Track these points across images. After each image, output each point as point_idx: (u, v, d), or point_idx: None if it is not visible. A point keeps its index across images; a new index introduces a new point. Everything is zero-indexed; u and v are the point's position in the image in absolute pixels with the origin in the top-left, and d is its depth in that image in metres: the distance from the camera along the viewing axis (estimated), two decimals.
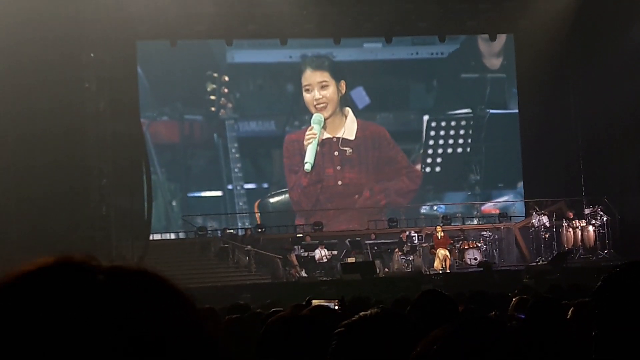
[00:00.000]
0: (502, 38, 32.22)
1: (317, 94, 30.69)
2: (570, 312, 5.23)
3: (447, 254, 26.03)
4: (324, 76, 30.94)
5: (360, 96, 31.58)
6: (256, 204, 30.87)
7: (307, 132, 30.58)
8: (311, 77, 30.93)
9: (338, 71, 31.08)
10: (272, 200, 31.08)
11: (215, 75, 30.69)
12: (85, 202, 25.89)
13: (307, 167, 30.50)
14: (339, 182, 30.92)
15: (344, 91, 31.00)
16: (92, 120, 26.48)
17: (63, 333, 0.82)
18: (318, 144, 30.51)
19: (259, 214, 30.68)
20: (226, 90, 30.80)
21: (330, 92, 30.85)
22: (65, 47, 24.93)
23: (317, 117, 30.50)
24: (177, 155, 30.87)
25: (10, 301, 0.86)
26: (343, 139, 30.89)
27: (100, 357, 0.82)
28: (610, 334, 1.97)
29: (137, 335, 0.85)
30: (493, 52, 32.74)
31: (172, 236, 29.94)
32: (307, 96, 30.82)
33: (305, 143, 30.58)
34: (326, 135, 30.81)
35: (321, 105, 30.62)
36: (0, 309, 0.85)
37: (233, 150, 30.72)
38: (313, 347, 2.56)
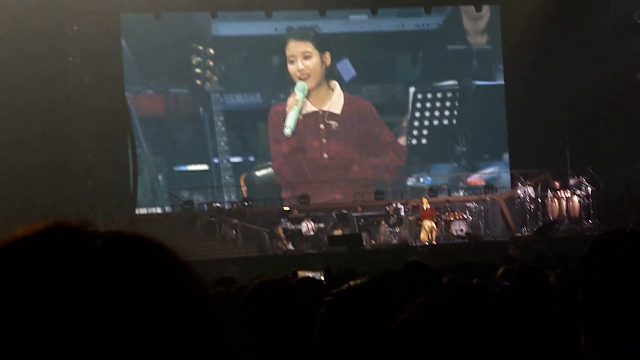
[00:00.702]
0: (487, 12, 32.19)
1: (300, 64, 30.63)
2: (552, 279, 5.27)
3: (433, 225, 26.12)
4: (307, 46, 30.85)
5: (346, 68, 31.53)
6: (242, 177, 30.85)
7: (290, 99, 30.57)
8: (294, 48, 30.86)
9: (322, 42, 30.98)
10: (258, 173, 31.07)
11: (201, 48, 30.56)
12: (69, 176, 25.80)
13: (287, 131, 30.50)
14: (325, 155, 30.92)
15: (328, 63, 30.92)
16: (76, 93, 26.36)
17: (60, 299, 0.81)
18: (300, 112, 30.49)
19: (245, 188, 30.67)
20: (211, 63, 30.69)
21: (314, 62, 30.77)
22: (49, 20, 24.77)
23: (300, 85, 30.49)
24: (163, 128, 30.77)
25: (5, 265, 0.85)
26: (329, 112, 30.87)
27: (100, 325, 0.81)
28: (597, 299, 1.99)
29: (139, 302, 0.84)
30: (478, 27, 32.71)
31: (158, 210, 29.92)
32: (290, 67, 30.77)
33: (287, 109, 30.56)
34: (312, 108, 30.78)
35: (304, 76, 30.59)
36: None
37: (219, 124, 30.66)
38: (296, 313, 2.58)
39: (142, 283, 0.85)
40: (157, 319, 0.84)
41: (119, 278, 0.84)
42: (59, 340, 0.79)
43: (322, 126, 30.83)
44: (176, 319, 0.86)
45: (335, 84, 31.06)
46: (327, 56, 30.92)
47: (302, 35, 30.99)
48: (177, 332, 0.85)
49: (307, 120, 30.75)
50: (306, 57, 30.78)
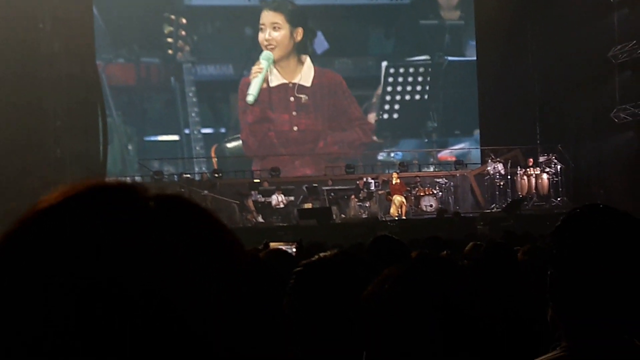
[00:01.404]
0: None
1: (267, 34, 30.53)
2: (520, 255, 5.32)
3: (403, 200, 26.19)
4: (277, 17, 30.75)
5: (319, 41, 31.46)
6: (213, 148, 30.77)
7: (254, 67, 30.47)
8: (266, 17, 30.76)
9: (296, 17, 30.87)
10: (229, 145, 30.98)
11: (173, 17, 30.35)
12: (39, 144, 25.59)
13: (250, 99, 30.44)
14: (295, 128, 30.90)
15: (298, 38, 30.83)
16: (47, 61, 26.08)
17: (118, 260, 0.80)
18: (264, 80, 30.41)
19: (215, 159, 30.59)
20: (184, 33, 30.49)
21: (282, 35, 30.66)
22: None
23: (266, 54, 30.43)
24: (134, 98, 30.58)
25: (56, 225, 0.82)
26: (299, 85, 30.83)
27: (160, 285, 0.81)
28: (568, 274, 2.01)
29: (196, 263, 0.84)
30: (451, 2, 32.74)
31: (128, 180, 29.73)
32: (260, 35, 30.70)
33: (250, 77, 30.48)
34: (282, 80, 30.72)
35: (270, 46, 30.52)
36: (51, 232, 0.82)
37: (190, 94, 30.51)
38: (265, 286, 2.57)
39: (197, 244, 0.85)
40: (209, 279, 0.84)
41: (175, 239, 0.84)
42: (112, 301, 0.79)
43: (291, 99, 30.79)
44: (224, 280, 0.86)
45: (306, 57, 31.00)
46: (299, 32, 30.80)
47: (275, 6, 30.88)
48: (224, 292, 0.85)
49: (276, 92, 30.68)
50: (275, 28, 30.67)
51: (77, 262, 0.80)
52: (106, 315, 0.78)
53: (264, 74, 30.37)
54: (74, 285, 0.79)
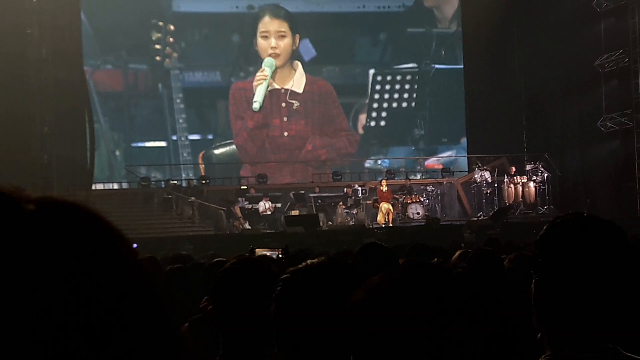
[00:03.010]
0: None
1: (273, 42, 30.57)
2: (506, 263, 5.34)
3: (390, 208, 26.21)
4: (282, 26, 30.82)
5: (306, 48, 31.49)
6: (200, 155, 30.74)
7: (258, 74, 30.47)
8: (270, 24, 30.77)
9: (295, 24, 30.95)
10: (216, 151, 30.95)
11: (161, 24, 30.32)
12: (26, 150, 25.48)
13: (256, 105, 30.46)
14: (285, 134, 30.92)
15: (297, 45, 30.96)
16: (34, 67, 26.00)
17: None
18: (268, 87, 30.44)
19: (203, 165, 30.55)
20: (171, 39, 30.47)
21: (286, 43, 30.78)
22: None
23: (269, 61, 30.45)
24: (121, 104, 30.53)
25: None
26: (291, 91, 30.86)
27: (29, 291, 0.79)
28: (551, 282, 2.02)
29: (71, 269, 0.82)
30: (439, 11, 32.86)
31: (115, 186, 29.71)
32: (262, 42, 30.68)
33: (254, 84, 30.49)
34: (274, 85, 30.75)
35: (275, 54, 30.54)
36: None
37: (178, 101, 30.48)
38: (260, 291, 2.59)
39: (79, 254, 0.83)
40: (88, 284, 0.82)
41: (52, 247, 0.82)
42: None
43: (283, 104, 30.83)
44: (107, 284, 0.84)
45: (298, 63, 31.06)
46: (297, 38, 30.94)
47: (277, 13, 30.93)
48: (107, 298, 0.83)
49: (268, 98, 30.71)
50: (281, 37, 30.75)
51: None
52: None
53: (267, 81, 30.41)
54: None
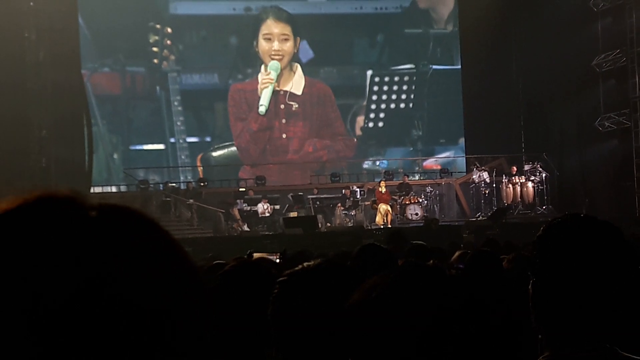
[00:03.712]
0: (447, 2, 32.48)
1: (276, 45, 30.59)
2: (505, 263, 5.34)
3: (389, 209, 26.21)
4: (286, 29, 30.85)
5: (304, 50, 31.50)
6: (199, 157, 30.73)
7: (264, 77, 30.50)
8: (274, 27, 30.79)
9: (296, 27, 30.98)
10: (215, 154, 30.95)
11: (158, 26, 30.32)
12: (24, 153, 25.48)
13: (262, 109, 30.50)
14: (284, 136, 30.93)
15: (297, 47, 31.00)
16: (32, 70, 26.00)
17: (55, 270, 0.80)
18: (273, 90, 30.48)
19: (201, 168, 30.54)
20: (169, 42, 30.47)
21: (288, 46, 30.84)
22: None
23: (275, 64, 30.50)
24: (119, 107, 30.52)
25: (1, 232, 0.83)
26: (290, 93, 30.88)
27: (93, 296, 0.81)
28: (549, 282, 2.02)
29: (134, 274, 0.84)
30: (436, 11, 32.87)
31: (114, 189, 29.69)
32: (264, 45, 30.68)
33: (260, 87, 30.50)
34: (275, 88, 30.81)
35: (278, 56, 30.60)
36: None
37: (175, 103, 30.47)
38: (259, 294, 2.60)
39: (137, 255, 0.86)
40: (150, 288, 0.85)
41: (115, 249, 0.84)
42: (51, 310, 0.79)
43: (282, 106, 30.85)
44: (167, 292, 0.86)
45: (297, 66, 31.09)
46: (298, 41, 30.97)
47: (279, 16, 30.96)
48: (167, 305, 0.85)
49: (272, 101, 30.75)
50: (284, 40, 30.77)
51: (16, 271, 0.80)
52: (46, 320, 0.79)
53: (273, 85, 30.44)
54: (12, 294, 0.80)
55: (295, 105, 30.86)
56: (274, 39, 30.69)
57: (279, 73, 30.59)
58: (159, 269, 0.87)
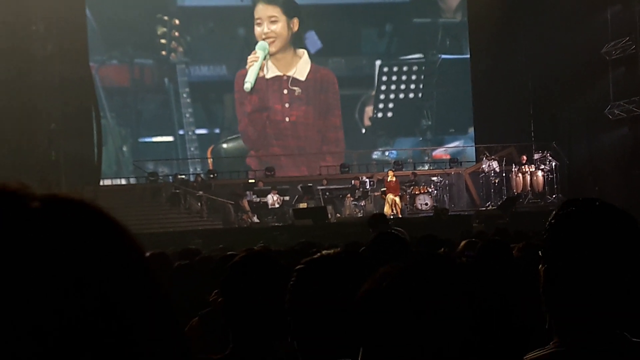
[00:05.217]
0: None
1: (265, 27, 30.58)
2: (515, 252, 5.33)
3: (396, 199, 26.18)
4: (274, 11, 30.82)
5: (312, 40, 31.46)
6: (209, 149, 30.76)
7: (250, 56, 30.52)
8: (262, 11, 30.80)
9: (291, 8, 30.90)
10: (225, 145, 30.99)
11: (166, 18, 30.32)
12: (33, 146, 25.57)
13: (247, 86, 30.55)
14: (287, 119, 30.95)
15: (296, 29, 30.89)
16: (40, 63, 26.05)
17: None
18: (260, 68, 30.45)
19: (211, 160, 30.57)
20: (177, 33, 30.47)
21: (279, 27, 30.75)
22: None
23: (262, 44, 30.58)
24: (128, 99, 30.55)
25: None
26: (293, 78, 30.89)
27: (32, 289, 0.78)
28: (560, 269, 2.01)
29: (76, 266, 0.81)
30: (445, 1, 32.81)
31: (123, 182, 29.74)
32: (257, 30, 30.75)
33: (247, 67, 30.52)
34: (277, 72, 30.77)
35: (270, 39, 30.60)
36: None
37: (184, 95, 30.50)
38: (269, 285, 2.60)
39: (80, 244, 0.83)
40: (95, 281, 0.82)
41: (57, 244, 0.82)
42: None
43: (285, 91, 30.88)
44: (113, 281, 0.83)
45: (303, 52, 31.08)
46: (295, 22, 30.88)
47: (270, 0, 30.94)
48: (112, 295, 0.83)
49: (271, 84, 30.75)
50: (273, 22, 30.75)
51: None
52: None
53: (259, 63, 30.44)
54: None
55: (298, 90, 30.88)
56: (263, 22, 30.72)
57: (267, 52, 30.48)
58: (104, 258, 0.84)
